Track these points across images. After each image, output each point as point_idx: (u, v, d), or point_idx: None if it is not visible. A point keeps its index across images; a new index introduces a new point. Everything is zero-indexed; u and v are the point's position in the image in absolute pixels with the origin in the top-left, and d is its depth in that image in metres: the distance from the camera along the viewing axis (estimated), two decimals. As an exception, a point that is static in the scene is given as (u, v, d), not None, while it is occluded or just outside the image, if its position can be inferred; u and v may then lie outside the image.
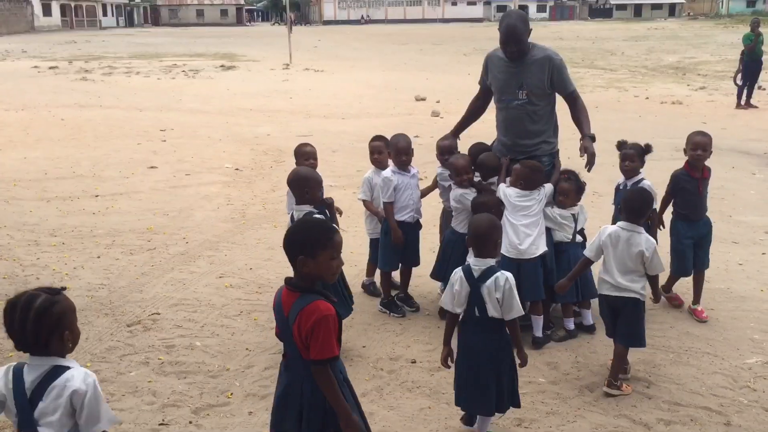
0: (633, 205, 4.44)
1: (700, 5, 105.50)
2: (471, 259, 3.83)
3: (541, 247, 5.12)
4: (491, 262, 3.77)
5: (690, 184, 5.59)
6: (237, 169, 10.58)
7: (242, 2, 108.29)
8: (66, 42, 47.82)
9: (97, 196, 9.09)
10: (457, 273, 3.81)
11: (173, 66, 28.04)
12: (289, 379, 3.12)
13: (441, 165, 5.82)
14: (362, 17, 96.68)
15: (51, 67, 27.34)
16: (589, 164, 5.08)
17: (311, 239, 2.95)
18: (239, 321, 5.55)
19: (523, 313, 3.95)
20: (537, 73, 5.28)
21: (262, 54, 34.88)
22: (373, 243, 6.14)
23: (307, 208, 4.75)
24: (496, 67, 5.60)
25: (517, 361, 3.88)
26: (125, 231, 7.72)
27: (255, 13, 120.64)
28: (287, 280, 3.05)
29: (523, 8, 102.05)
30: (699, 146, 5.51)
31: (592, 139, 5.19)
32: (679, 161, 11.04)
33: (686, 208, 5.67)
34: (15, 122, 14.58)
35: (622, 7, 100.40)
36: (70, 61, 30.44)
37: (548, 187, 5.23)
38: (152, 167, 10.53)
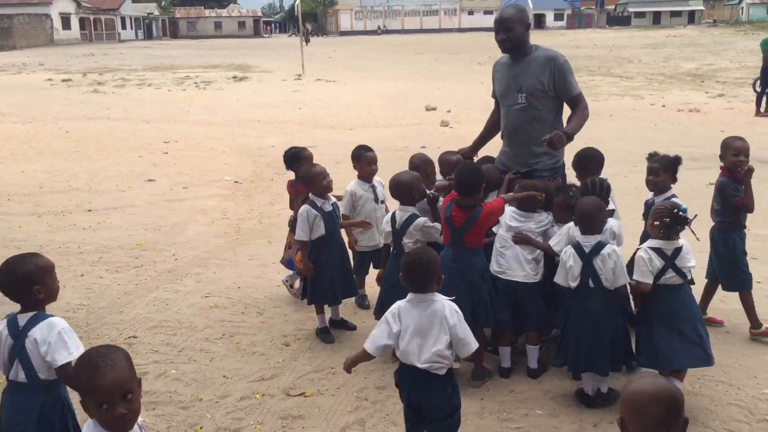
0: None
1: (720, 12, 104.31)
2: (579, 236, 4.27)
3: (538, 275, 4.70)
4: (598, 237, 4.22)
5: (738, 191, 5.24)
6: (236, 181, 10.31)
7: (260, 14, 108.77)
8: (84, 55, 48.06)
9: (90, 210, 8.85)
10: (569, 250, 4.24)
11: (186, 78, 27.97)
12: None
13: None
14: (379, 28, 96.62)
15: (64, 80, 27.36)
16: (550, 144, 4.66)
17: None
18: (220, 345, 5.23)
19: (629, 280, 4.25)
20: (537, 73, 4.94)
21: (276, 65, 34.74)
22: (358, 256, 5.86)
23: (411, 209, 4.86)
24: (499, 72, 5.30)
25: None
26: (114, 247, 7.46)
27: (273, 25, 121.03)
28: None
29: (540, 17, 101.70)
30: (741, 151, 5.22)
31: (568, 137, 4.74)
32: (696, 171, 10.66)
33: (739, 215, 5.35)
34: (20, 135, 14.46)
35: (640, 14, 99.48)
36: (84, 74, 30.49)
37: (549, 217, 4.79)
38: (150, 180, 10.30)
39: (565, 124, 5.12)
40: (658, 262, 4.13)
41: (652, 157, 5.28)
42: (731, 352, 5.03)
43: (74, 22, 74.58)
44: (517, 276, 4.67)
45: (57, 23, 70.37)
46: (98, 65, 36.47)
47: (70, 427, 3.09)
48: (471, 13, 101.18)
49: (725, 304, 5.73)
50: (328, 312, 5.52)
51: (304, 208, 5.26)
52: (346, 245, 5.61)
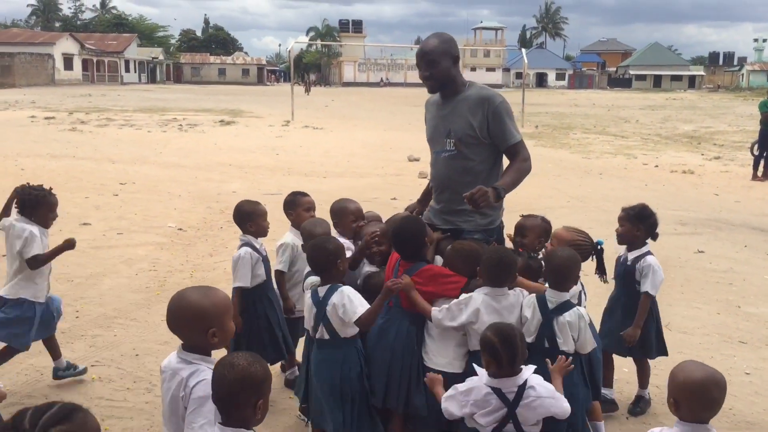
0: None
1: (721, 78, 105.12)
2: (547, 290, 3.67)
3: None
4: (566, 296, 3.65)
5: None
6: (180, 228, 9.40)
7: (264, 62, 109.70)
8: (81, 95, 47.77)
9: (3, 255, 7.91)
10: (531, 300, 3.66)
11: (172, 120, 27.36)
12: None
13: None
14: (381, 80, 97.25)
15: (47, 117, 26.74)
16: (471, 202, 3.74)
17: None
18: None
19: (595, 346, 3.78)
20: (467, 116, 4.08)
21: (268, 111, 34.24)
22: (291, 323, 4.86)
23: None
24: (429, 112, 4.45)
25: None
26: (14, 299, 6.50)
27: (278, 73, 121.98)
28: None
29: (542, 76, 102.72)
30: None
31: (497, 194, 3.84)
32: (684, 237, 9.73)
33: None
34: (-32, 170, 13.63)
35: (641, 77, 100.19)
36: (70, 112, 29.94)
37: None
38: (85, 224, 9.39)
39: (500, 177, 4.25)
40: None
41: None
42: None
43: (77, 63, 74.92)
44: (439, 363, 3.75)
45: (59, 63, 70.68)
46: (90, 105, 35.98)
47: (363, 373, 3.69)
48: (473, 69, 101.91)
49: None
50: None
51: (245, 250, 4.51)
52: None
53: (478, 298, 3.62)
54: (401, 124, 28.63)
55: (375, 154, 18.35)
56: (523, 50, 37.80)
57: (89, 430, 1.92)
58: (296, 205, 4.81)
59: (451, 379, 3.67)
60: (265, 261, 4.66)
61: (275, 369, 5.11)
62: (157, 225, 9.56)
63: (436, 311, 3.68)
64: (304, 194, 4.93)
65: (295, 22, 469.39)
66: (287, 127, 25.59)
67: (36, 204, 4.67)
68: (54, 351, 4.94)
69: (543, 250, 4.21)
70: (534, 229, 4.22)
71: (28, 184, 4.83)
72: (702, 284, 7.57)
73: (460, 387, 3.22)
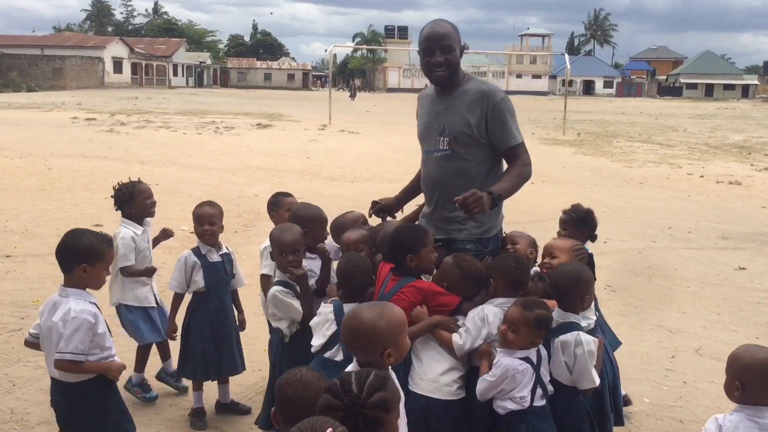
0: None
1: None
2: (555, 309, 3.31)
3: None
4: (572, 317, 3.28)
5: None
6: (192, 232, 9.11)
7: (309, 68, 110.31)
8: (127, 98, 48.40)
9: (8, 256, 7.75)
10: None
11: (210, 122, 27.38)
12: None
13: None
14: (426, 86, 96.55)
15: (88, 119, 27.01)
16: (462, 207, 3.31)
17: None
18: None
19: (596, 385, 3.27)
20: (465, 112, 3.65)
21: (307, 115, 34.11)
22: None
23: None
24: (422, 107, 4.02)
25: None
26: (5, 303, 6.32)
27: (323, 79, 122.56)
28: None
29: (590, 83, 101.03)
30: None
31: (492, 200, 3.41)
32: (725, 252, 9.08)
33: None
34: (-2, 169, 13.66)
35: (692, 86, 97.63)
36: (112, 114, 30.24)
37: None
38: (97, 225, 9.16)
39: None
40: None
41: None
42: None
43: (126, 67, 76.25)
44: (425, 389, 3.33)
45: (108, 66, 71.96)
46: (134, 108, 36.33)
47: None
48: (519, 76, 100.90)
49: None
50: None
51: (184, 253, 4.32)
52: (234, 309, 4.52)
53: (491, 310, 3.30)
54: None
55: (407, 160, 17.88)
56: (566, 55, 36.90)
57: (397, 398, 2.23)
58: (279, 206, 4.49)
59: (440, 408, 3.28)
60: (212, 267, 4.43)
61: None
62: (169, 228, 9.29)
63: (457, 338, 3.30)
64: (287, 194, 4.61)
65: (344, 29, 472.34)
66: (323, 131, 25.36)
67: (130, 197, 4.57)
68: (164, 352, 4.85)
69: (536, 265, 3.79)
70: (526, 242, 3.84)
71: (119, 183, 4.69)
72: (741, 304, 6.96)
73: (495, 370, 3.15)
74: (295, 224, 3.85)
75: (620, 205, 12.19)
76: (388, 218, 4.28)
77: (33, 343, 3.40)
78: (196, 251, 4.36)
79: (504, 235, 3.93)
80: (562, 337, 3.23)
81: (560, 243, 3.83)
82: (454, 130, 3.66)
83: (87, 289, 3.26)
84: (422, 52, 3.74)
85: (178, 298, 4.40)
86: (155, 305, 4.71)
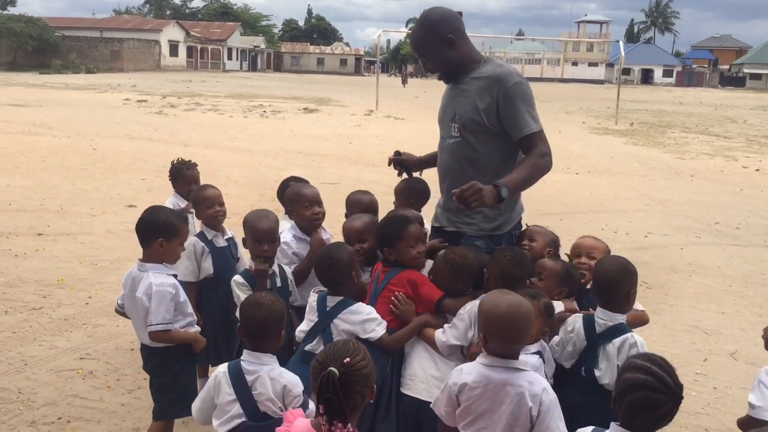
0: None
1: None
2: (597, 310, 3.06)
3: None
4: (620, 318, 3.01)
5: None
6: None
7: (362, 53, 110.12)
8: (182, 81, 49.05)
9: (40, 234, 7.83)
10: (578, 322, 3.08)
11: (258, 106, 27.54)
12: None
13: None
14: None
15: (139, 101, 27.44)
16: (460, 200, 3.08)
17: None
18: (40, 433, 3.90)
19: None
20: (475, 98, 3.43)
21: (355, 100, 34.01)
22: None
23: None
24: (445, 91, 3.83)
25: None
26: (30, 281, 6.35)
27: (376, 64, 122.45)
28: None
29: (648, 72, 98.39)
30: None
31: (498, 194, 3.13)
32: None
33: None
34: (44, 148, 13.93)
35: (756, 76, 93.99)
36: (164, 96, 30.67)
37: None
38: (131, 206, 9.25)
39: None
40: None
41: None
42: None
43: (182, 50, 77.29)
44: (416, 390, 3.16)
45: (165, 50, 73.04)
46: (186, 90, 36.78)
47: None
48: (575, 64, 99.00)
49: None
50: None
51: (191, 240, 4.09)
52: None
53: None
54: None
55: (451, 147, 17.70)
56: (621, 42, 35.77)
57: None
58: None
59: (431, 410, 3.08)
60: (220, 252, 4.28)
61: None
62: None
63: (440, 333, 3.12)
64: (300, 181, 4.44)
65: (399, 13, 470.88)
66: (369, 117, 25.23)
67: (175, 176, 5.07)
68: None
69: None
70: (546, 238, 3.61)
71: (179, 159, 5.17)
72: (787, 306, 6.58)
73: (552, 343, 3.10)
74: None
75: (666, 198, 11.73)
76: (404, 174, 4.15)
77: (121, 312, 3.61)
78: (201, 237, 4.21)
79: (524, 228, 3.72)
80: (617, 341, 2.97)
81: (597, 243, 3.59)
82: (463, 116, 3.46)
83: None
84: None
85: (191, 287, 4.16)
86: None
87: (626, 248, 7.92)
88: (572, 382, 3.06)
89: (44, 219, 8.43)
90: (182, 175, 5.03)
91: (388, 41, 38.18)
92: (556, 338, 3.16)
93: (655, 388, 2.20)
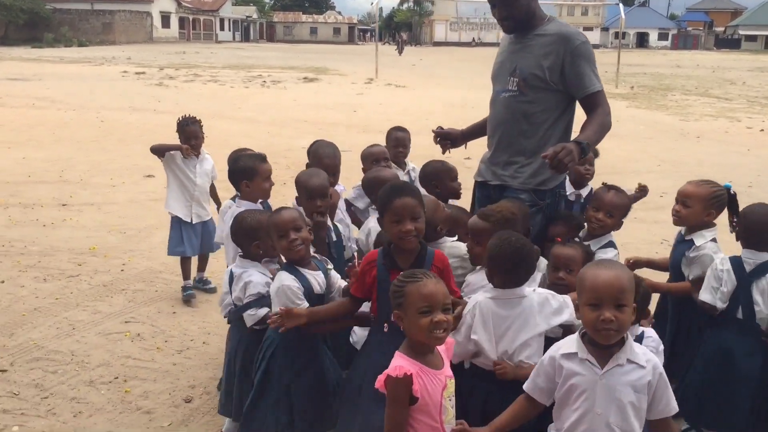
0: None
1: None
2: (743, 251, 3.26)
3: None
4: (766, 256, 3.20)
5: None
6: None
7: (355, 21, 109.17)
8: (175, 52, 48.61)
9: (64, 204, 7.91)
10: (725, 264, 3.24)
11: (257, 76, 27.40)
12: None
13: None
14: (474, 40, 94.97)
15: (137, 73, 27.27)
16: (554, 165, 3.11)
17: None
18: (103, 392, 4.02)
19: None
20: (539, 55, 3.51)
21: (353, 69, 33.82)
22: None
23: None
24: (500, 47, 3.90)
25: None
26: (62, 250, 6.43)
27: (369, 33, 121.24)
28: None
29: (644, 36, 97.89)
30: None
31: (582, 150, 3.21)
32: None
33: None
34: (52, 121, 13.93)
35: (751, 38, 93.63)
36: (161, 68, 30.46)
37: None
38: (149, 176, 9.32)
39: (566, 133, 3.65)
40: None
41: None
42: None
43: (173, 21, 76.46)
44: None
45: (157, 21, 72.25)
46: (182, 62, 36.50)
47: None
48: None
49: None
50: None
51: (227, 203, 4.34)
52: None
53: (478, 300, 2.78)
54: (486, 84, 27.63)
55: (454, 113, 17.67)
56: (621, 5, 35.64)
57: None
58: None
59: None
60: None
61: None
62: (220, 179, 9.36)
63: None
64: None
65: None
66: (369, 85, 25.16)
67: (179, 130, 5.62)
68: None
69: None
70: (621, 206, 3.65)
71: (184, 115, 5.69)
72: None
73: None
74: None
75: (677, 159, 11.82)
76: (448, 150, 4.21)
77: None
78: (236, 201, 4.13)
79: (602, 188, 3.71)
80: None
81: (700, 190, 3.48)
82: (525, 71, 3.53)
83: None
84: (491, 4, 3.63)
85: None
86: (190, 222, 5.49)
87: (644, 208, 8.01)
88: (728, 326, 3.26)
89: (66, 190, 8.49)
90: (182, 130, 5.57)
91: (381, 9, 37.89)
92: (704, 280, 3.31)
93: None
